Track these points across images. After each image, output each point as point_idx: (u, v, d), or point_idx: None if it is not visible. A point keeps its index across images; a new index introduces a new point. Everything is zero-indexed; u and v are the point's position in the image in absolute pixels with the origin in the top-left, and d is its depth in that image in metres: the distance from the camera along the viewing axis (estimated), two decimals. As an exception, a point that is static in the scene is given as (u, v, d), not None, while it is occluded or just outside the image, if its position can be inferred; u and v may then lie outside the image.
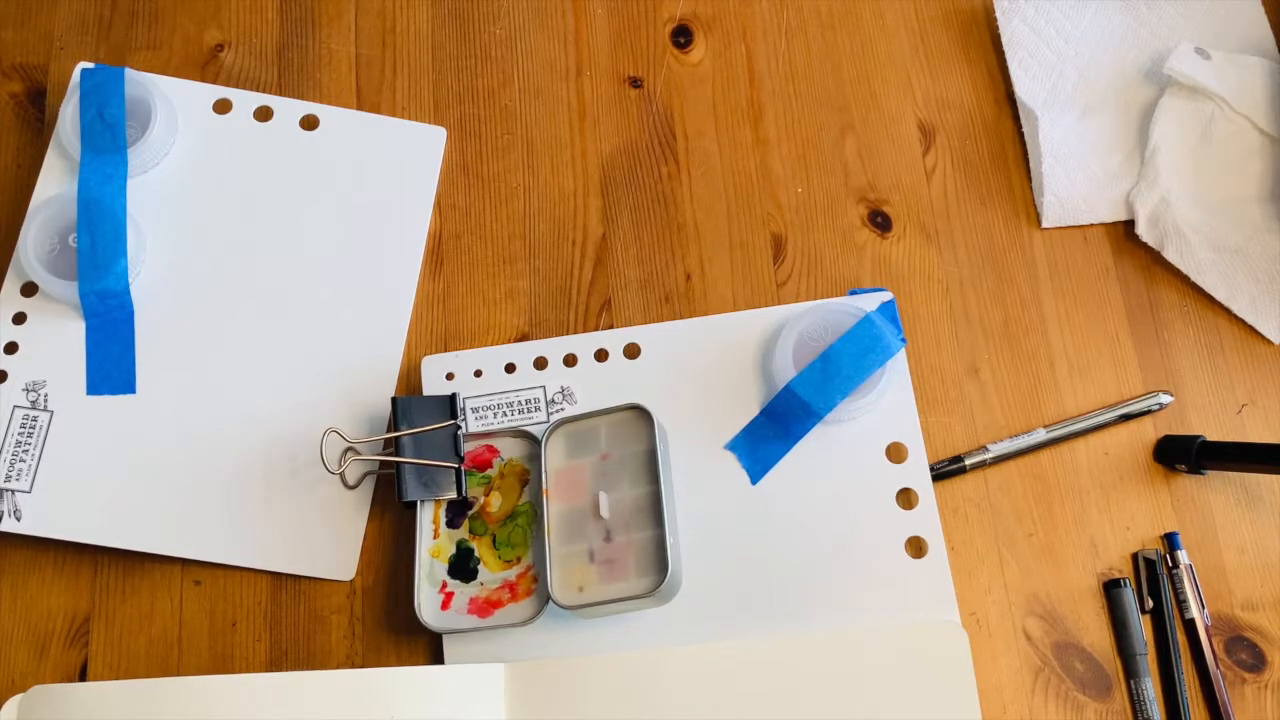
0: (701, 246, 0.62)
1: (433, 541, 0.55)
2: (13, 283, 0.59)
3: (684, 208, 0.63)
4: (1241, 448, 0.56)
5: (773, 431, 0.55)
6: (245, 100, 0.63)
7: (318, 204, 0.61)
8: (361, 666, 0.55)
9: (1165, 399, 0.59)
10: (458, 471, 0.55)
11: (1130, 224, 0.62)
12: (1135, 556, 0.56)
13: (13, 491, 0.55)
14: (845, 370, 0.54)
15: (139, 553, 0.55)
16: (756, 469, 0.55)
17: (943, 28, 0.67)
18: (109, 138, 0.59)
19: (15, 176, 0.63)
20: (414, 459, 0.54)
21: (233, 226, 0.61)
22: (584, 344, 0.58)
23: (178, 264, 0.60)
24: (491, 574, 0.54)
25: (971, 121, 0.65)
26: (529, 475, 0.55)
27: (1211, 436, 0.58)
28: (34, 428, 0.56)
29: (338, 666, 0.55)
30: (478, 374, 0.57)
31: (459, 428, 0.56)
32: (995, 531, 0.57)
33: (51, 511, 0.55)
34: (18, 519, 0.55)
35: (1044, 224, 0.62)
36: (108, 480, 0.56)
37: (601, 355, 0.57)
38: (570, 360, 0.57)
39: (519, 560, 0.54)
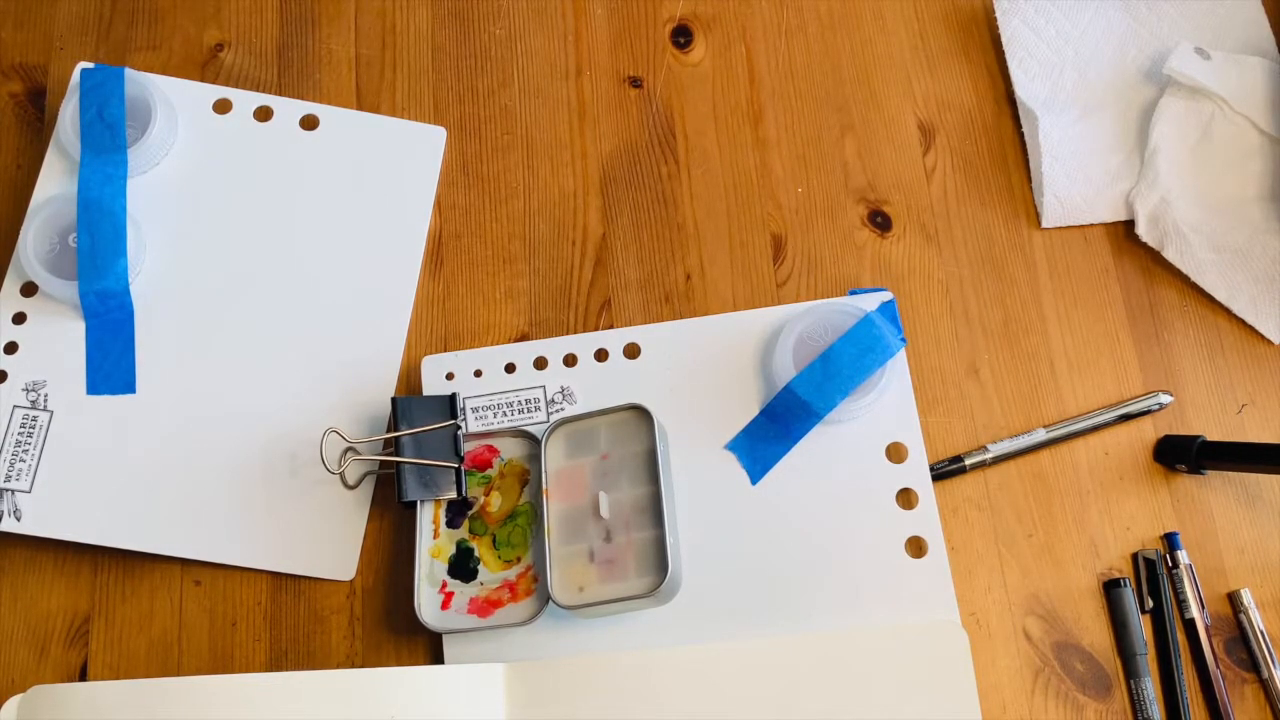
0: (701, 246, 0.62)
1: (433, 541, 0.55)
2: (13, 283, 0.59)
3: (684, 208, 0.63)
4: (1241, 448, 0.56)
5: (773, 431, 0.55)
6: (245, 100, 0.63)
7: (318, 204, 0.61)
8: (361, 666, 0.55)
9: (1165, 399, 0.59)
10: (458, 471, 0.55)
11: (1130, 224, 0.62)
12: (1135, 556, 0.56)
13: (13, 491, 0.55)
14: (845, 370, 0.54)
15: (139, 553, 0.55)
16: (756, 469, 0.55)
17: (943, 28, 0.67)
18: (109, 138, 0.59)
19: (15, 176, 0.63)
20: (414, 459, 0.54)
21: (233, 226, 0.61)
22: (584, 344, 0.58)
23: (178, 264, 0.60)
24: (491, 574, 0.54)
25: (971, 121, 0.65)
26: (529, 475, 0.55)
27: (1211, 436, 0.58)
28: (34, 428, 0.56)
29: (338, 666, 0.55)
30: (478, 374, 0.57)
31: (459, 428, 0.56)
32: (995, 531, 0.57)
33: (51, 511, 0.55)
34: (18, 519, 0.55)
35: (1044, 224, 0.62)
36: (108, 480, 0.56)
37: (601, 355, 0.57)
38: (570, 360, 0.57)
39: (519, 560, 0.54)
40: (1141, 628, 0.55)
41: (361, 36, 0.66)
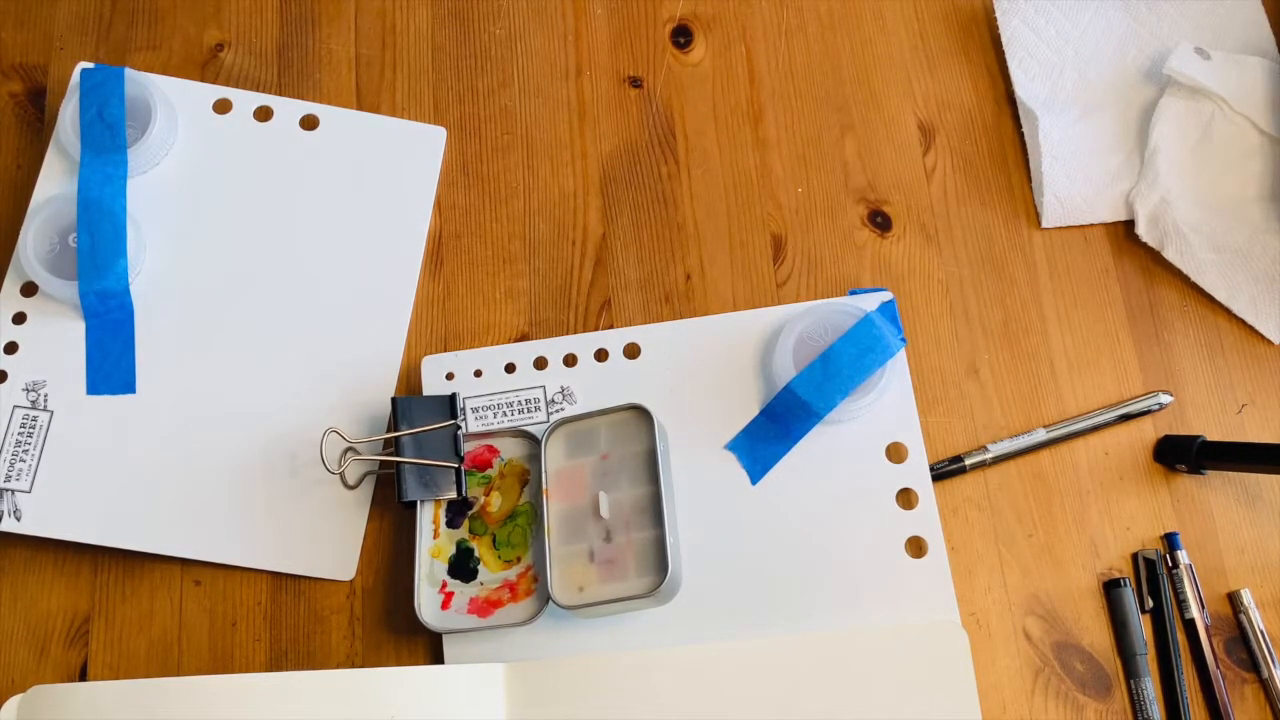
0: (701, 246, 0.62)
1: (433, 541, 0.55)
2: (13, 283, 0.59)
3: (684, 208, 0.63)
4: (1241, 448, 0.56)
5: (773, 431, 0.55)
6: (245, 100, 0.63)
7: (318, 204, 0.61)
8: (361, 666, 0.55)
9: (1165, 399, 0.59)
10: (458, 471, 0.55)
11: (1130, 224, 0.62)
12: (1135, 556, 0.56)
13: (13, 491, 0.55)
14: (845, 370, 0.54)
15: (139, 553, 0.55)
16: (756, 469, 0.55)
17: (943, 28, 0.67)
18: (109, 138, 0.59)
19: (15, 176, 0.63)
20: (414, 459, 0.54)
21: (233, 226, 0.61)
22: (584, 344, 0.58)
23: (178, 264, 0.60)
24: (491, 574, 0.54)
25: (971, 121, 0.65)
26: (529, 475, 0.55)
27: (1211, 436, 0.58)
28: (34, 428, 0.56)
29: (338, 666, 0.55)
30: (478, 374, 0.57)
31: (459, 428, 0.56)
32: (995, 531, 0.57)
33: (51, 511, 0.55)
34: (18, 519, 0.55)
35: (1044, 224, 0.62)
36: (108, 480, 0.56)
37: (601, 355, 0.57)
38: (570, 360, 0.57)
39: (519, 560, 0.54)
40: (1141, 628, 0.55)
41: (361, 36, 0.66)
